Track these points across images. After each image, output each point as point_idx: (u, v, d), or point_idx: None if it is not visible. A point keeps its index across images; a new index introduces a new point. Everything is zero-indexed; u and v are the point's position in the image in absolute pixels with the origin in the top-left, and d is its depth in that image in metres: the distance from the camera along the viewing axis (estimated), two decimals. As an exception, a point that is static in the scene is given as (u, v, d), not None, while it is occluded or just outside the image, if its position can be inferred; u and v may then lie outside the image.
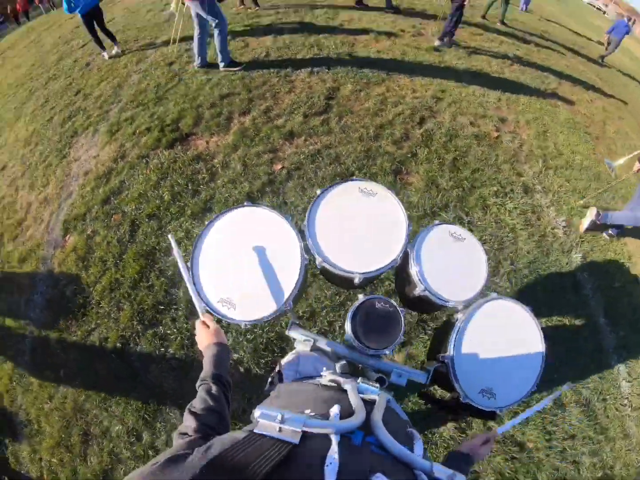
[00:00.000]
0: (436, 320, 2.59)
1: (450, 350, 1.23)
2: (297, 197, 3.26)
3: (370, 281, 1.67)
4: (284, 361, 1.21)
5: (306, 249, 1.29)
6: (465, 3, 5.82)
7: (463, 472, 0.67)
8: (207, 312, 1.16)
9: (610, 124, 5.55)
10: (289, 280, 1.22)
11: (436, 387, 1.56)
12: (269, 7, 7.86)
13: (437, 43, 6.11)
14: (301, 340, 1.25)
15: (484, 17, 8.25)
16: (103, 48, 6.67)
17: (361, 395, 0.74)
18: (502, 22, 8.28)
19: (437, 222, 1.48)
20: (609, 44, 9.90)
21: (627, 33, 10.05)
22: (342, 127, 4.03)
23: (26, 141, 5.34)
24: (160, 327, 2.72)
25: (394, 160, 3.63)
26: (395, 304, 1.16)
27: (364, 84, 4.77)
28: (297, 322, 1.33)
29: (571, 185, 3.80)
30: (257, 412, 0.58)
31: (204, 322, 1.10)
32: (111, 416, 2.49)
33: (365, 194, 1.42)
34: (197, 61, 5.40)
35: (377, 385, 0.86)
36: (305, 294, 2.66)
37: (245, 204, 1.34)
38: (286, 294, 1.20)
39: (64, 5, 5.98)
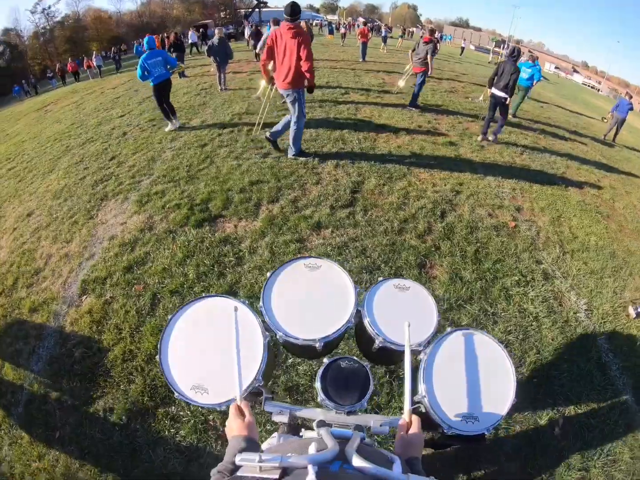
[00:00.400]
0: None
1: (422, 390, 1.26)
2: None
3: (333, 346, 1.71)
4: (264, 446, 1.20)
5: (267, 328, 1.37)
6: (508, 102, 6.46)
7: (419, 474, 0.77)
8: (245, 399, 1.14)
9: (619, 200, 5.77)
10: (255, 358, 1.28)
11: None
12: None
13: (491, 138, 6.74)
14: (277, 413, 1.27)
15: (514, 115, 8.93)
16: (169, 119, 7.13)
17: (337, 439, 0.78)
18: (514, 115, 8.97)
19: (380, 279, 1.57)
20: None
21: (631, 110, 10.65)
22: (367, 221, 4.20)
23: (56, 194, 5.55)
24: (173, 407, 2.57)
25: (418, 254, 3.72)
26: (358, 360, 1.24)
27: (387, 179, 5.08)
28: (271, 396, 1.35)
29: (589, 267, 3.85)
30: (237, 458, 0.64)
31: (239, 409, 1.05)
32: None
33: (311, 268, 1.53)
34: (292, 151, 5.48)
35: (351, 428, 0.96)
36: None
37: (203, 295, 1.42)
38: (254, 371, 1.25)
39: (138, 72, 6.44)
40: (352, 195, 4.67)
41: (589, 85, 37.19)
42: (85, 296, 3.56)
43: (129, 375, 2.80)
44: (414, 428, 1.02)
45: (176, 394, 1.20)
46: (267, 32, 9.51)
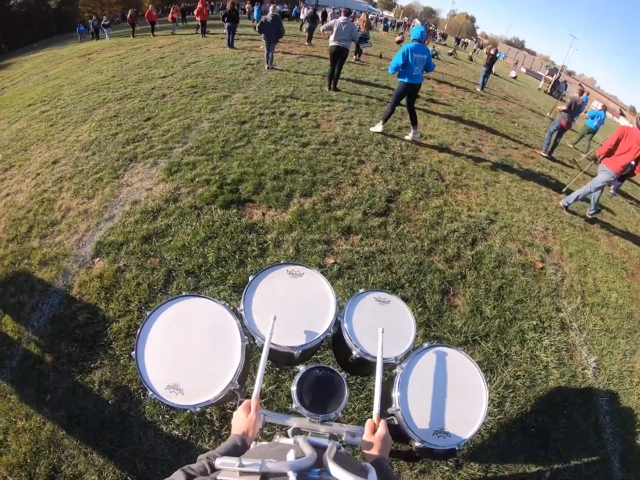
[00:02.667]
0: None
1: (396, 403, 1.27)
2: (344, 298, 3.10)
3: (311, 354, 1.70)
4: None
5: (246, 332, 1.37)
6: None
7: (387, 475, 0.88)
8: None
9: (647, 258, 5.53)
10: (232, 361, 1.28)
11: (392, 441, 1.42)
12: (344, 91, 8.43)
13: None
14: None
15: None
16: (414, 127, 6.50)
17: (314, 447, 0.80)
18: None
19: (361, 291, 1.58)
20: None
21: None
22: (398, 234, 4.01)
23: (85, 146, 5.46)
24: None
25: (443, 279, 3.57)
26: (334, 369, 1.26)
27: (424, 193, 4.87)
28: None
29: (605, 325, 3.71)
30: (217, 462, 0.66)
31: (248, 405, 1.08)
32: (89, 464, 2.17)
33: (293, 275, 1.55)
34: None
35: (327, 437, 1.03)
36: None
37: (183, 294, 1.40)
38: (231, 374, 1.25)
39: (396, 60, 5.74)
40: (387, 204, 4.47)
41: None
42: (98, 259, 3.44)
43: (130, 351, 2.64)
44: (381, 429, 1.05)
45: (150, 393, 1.19)
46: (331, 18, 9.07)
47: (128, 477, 2.14)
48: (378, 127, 6.34)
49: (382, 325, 1.43)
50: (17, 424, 2.35)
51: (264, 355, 1.21)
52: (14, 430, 2.32)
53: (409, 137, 6.42)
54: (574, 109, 8.13)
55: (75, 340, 2.79)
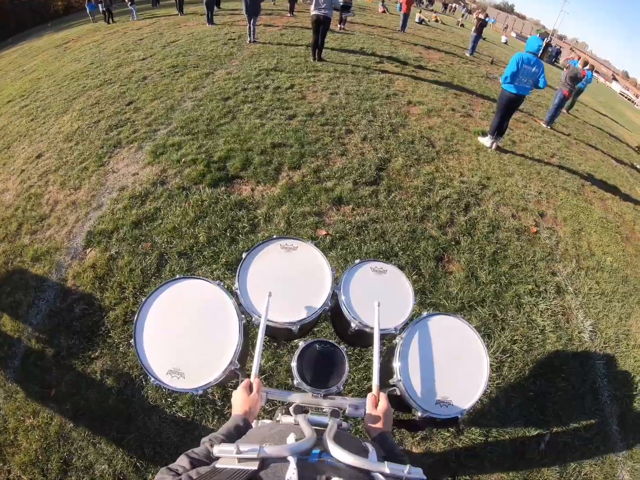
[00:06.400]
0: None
1: (397, 373, 1.27)
2: (338, 270, 3.08)
3: (310, 328, 1.72)
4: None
5: (243, 311, 1.35)
6: None
7: (393, 449, 0.91)
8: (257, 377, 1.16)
9: (640, 223, 5.51)
10: (230, 341, 1.26)
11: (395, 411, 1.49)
12: (329, 61, 8.19)
13: None
14: None
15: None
16: (495, 135, 5.88)
17: (314, 426, 0.82)
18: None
19: (357, 261, 1.56)
20: None
21: None
22: (390, 202, 3.96)
23: (68, 137, 5.33)
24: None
25: (437, 246, 3.54)
26: (334, 342, 1.25)
27: (414, 160, 4.79)
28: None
29: (600, 288, 3.73)
30: (215, 449, 0.65)
31: (249, 386, 1.07)
32: (99, 454, 2.22)
33: (287, 249, 1.53)
34: None
35: (328, 414, 1.04)
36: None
37: (177, 276, 1.39)
38: (230, 355, 1.24)
39: (509, 68, 5.15)
40: (377, 172, 4.40)
41: (625, 97, 35.21)
42: (89, 249, 3.41)
43: (129, 338, 2.68)
44: (382, 403, 1.05)
45: (152, 379, 1.18)
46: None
47: (137, 463, 2.18)
48: (487, 141, 5.78)
49: (380, 296, 1.42)
50: (26, 422, 2.38)
51: (261, 333, 1.20)
52: (23, 429, 2.35)
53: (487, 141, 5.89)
54: (575, 79, 7.97)
55: (73, 332, 2.79)
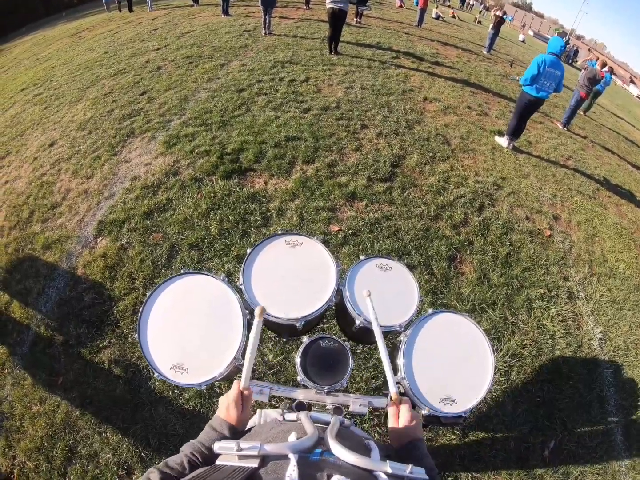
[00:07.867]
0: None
1: (402, 371, 1.26)
2: (349, 266, 3.02)
3: (314, 324, 1.70)
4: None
5: (247, 306, 1.33)
6: None
7: (420, 460, 0.82)
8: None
9: (656, 231, 5.38)
10: (234, 337, 1.26)
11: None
12: (345, 54, 8.08)
13: None
14: (257, 392, 1.23)
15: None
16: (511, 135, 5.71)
17: (316, 424, 0.80)
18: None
19: (363, 257, 1.55)
20: None
21: None
22: (404, 200, 3.89)
23: (81, 125, 5.32)
24: (180, 369, 2.46)
25: (450, 246, 3.49)
26: (338, 339, 1.24)
27: (429, 158, 4.70)
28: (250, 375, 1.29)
29: (612, 295, 3.65)
30: (216, 446, 0.64)
31: (238, 396, 0.93)
32: (104, 442, 2.22)
33: (292, 245, 1.52)
34: None
35: (330, 412, 1.03)
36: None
37: (182, 271, 1.37)
38: (234, 350, 1.24)
39: (530, 70, 5.05)
40: (391, 169, 4.33)
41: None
42: (100, 238, 3.40)
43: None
44: (405, 414, 0.94)
45: (156, 374, 1.18)
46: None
47: (142, 453, 2.17)
48: (503, 141, 5.68)
49: (385, 293, 1.41)
50: (32, 409, 2.38)
51: (253, 334, 1.05)
52: (30, 416, 2.36)
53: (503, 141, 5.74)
54: (593, 81, 7.84)
55: (82, 321, 2.78)
